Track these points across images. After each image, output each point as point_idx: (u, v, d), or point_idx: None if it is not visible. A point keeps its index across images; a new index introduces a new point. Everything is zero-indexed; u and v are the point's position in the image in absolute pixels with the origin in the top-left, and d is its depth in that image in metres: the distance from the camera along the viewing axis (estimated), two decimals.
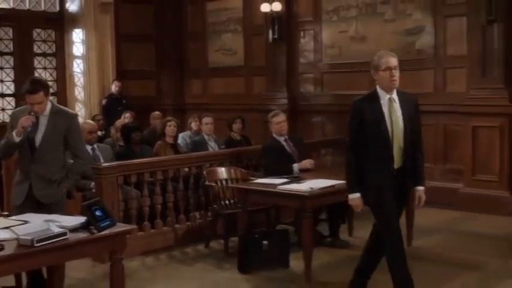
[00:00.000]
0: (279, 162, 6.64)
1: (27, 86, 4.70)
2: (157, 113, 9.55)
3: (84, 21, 11.28)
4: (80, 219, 4.02)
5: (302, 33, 10.37)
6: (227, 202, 6.68)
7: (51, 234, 3.63)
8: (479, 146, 8.14)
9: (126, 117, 9.36)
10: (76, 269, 5.61)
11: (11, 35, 11.11)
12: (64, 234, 3.70)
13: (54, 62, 11.64)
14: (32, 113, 4.69)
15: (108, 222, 3.97)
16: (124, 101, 10.96)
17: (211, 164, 7.07)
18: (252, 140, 9.02)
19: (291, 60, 10.48)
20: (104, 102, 11.15)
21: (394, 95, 4.43)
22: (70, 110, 5.43)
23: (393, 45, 9.05)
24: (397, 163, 4.39)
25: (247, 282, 5.55)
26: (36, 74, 10.87)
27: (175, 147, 7.96)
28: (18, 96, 10.77)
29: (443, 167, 8.71)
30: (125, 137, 7.70)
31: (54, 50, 11.62)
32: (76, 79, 11.59)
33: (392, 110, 4.38)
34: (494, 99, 7.98)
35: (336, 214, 6.79)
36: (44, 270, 4.71)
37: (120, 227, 4.06)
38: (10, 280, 4.63)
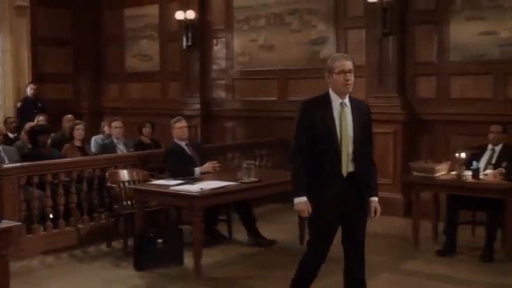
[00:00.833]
0: (181, 165, 6.96)
1: None
2: (69, 116, 9.67)
3: (0, 24, 11.30)
4: None
5: (215, 41, 10.69)
6: (129, 203, 6.92)
7: None
8: (375, 151, 8.57)
9: (39, 120, 9.46)
10: None
11: None
12: None
13: None
14: None
15: None
16: (39, 104, 11.01)
17: (115, 166, 7.31)
18: (164, 144, 9.25)
19: (204, 66, 10.79)
20: (19, 105, 11.16)
21: (347, 100, 4.24)
22: None
23: (299, 54, 9.58)
24: (345, 170, 4.19)
25: (140, 279, 5.83)
26: None
27: (83, 150, 8.15)
28: None
29: None
30: (31, 139, 7.81)
31: None
32: None
33: (343, 115, 4.19)
34: (389, 107, 8.46)
35: (245, 214, 7.13)
36: None
37: (4, 224, 4.25)
38: None
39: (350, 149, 4.19)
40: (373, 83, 8.70)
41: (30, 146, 8.31)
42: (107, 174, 6.98)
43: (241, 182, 6.24)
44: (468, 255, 6.46)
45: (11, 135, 9.54)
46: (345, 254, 4.36)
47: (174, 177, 6.58)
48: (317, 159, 4.19)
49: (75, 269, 6.24)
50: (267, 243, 6.96)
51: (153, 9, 11.56)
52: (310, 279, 4.42)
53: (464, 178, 6.35)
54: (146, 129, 8.95)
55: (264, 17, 10.00)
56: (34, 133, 7.75)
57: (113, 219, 7.01)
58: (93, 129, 9.62)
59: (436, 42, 8.42)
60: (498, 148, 6.76)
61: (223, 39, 10.59)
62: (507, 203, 6.08)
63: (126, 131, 8.90)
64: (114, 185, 6.82)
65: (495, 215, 6.34)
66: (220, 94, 10.74)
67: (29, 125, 8.94)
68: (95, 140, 9.01)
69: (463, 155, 6.43)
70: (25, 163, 6.82)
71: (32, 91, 11.15)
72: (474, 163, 6.39)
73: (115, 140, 8.51)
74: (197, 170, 6.97)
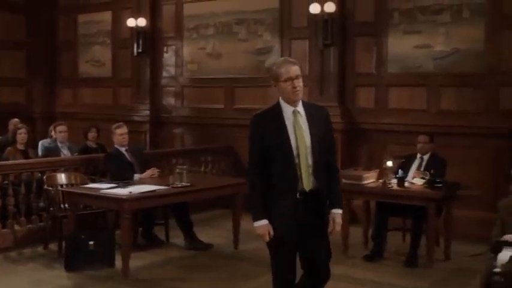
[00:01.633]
0: (120, 171, 7.10)
1: None
2: (15, 120, 9.71)
3: None
4: None
5: (165, 48, 10.85)
6: (66, 205, 7.01)
7: None
8: None
9: None
10: None
11: None
12: None
13: None
14: None
15: None
16: None
17: (55, 169, 7.40)
18: (111, 148, 9.36)
19: (155, 73, 10.94)
20: None
21: (300, 107, 3.87)
22: None
23: (246, 62, 9.78)
24: (306, 185, 3.80)
25: (68, 279, 5.95)
26: None
27: (26, 153, 8.22)
28: None
29: None
30: None
31: None
32: None
33: (297, 124, 3.82)
34: (330, 116, 8.65)
35: (183, 218, 7.26)
36: None
37: None
38: None
39: (310, 160, 3.80)
40: (315, 92, 8.91)
41: None
42: (44, 177, 7.08)
43: (173, 186, 6.41)
44: (394, 261, 6.67)
45: None
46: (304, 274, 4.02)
47: (115, 181, 6.71)
48: (273, 175, 3.80)
49: (8, 270, 6.32)
50: (203, 247, 7.11)
51: (106, 16, 11.68)
52: None
53: (390, 186, 6.58)
54: (91, 134, 9.04)
55: (212, 26, 10.19)
56: None
57: (50, 222, 7.10)
58: (45, 133, 9.66)
59: (375, 54, 8.69)
60: (426, 157, 7.05)
61: (174, 46, 10.75)
62: (429, 210, 6.33)
63: (78, 135, 8.99)
64: (50, 188, 6.91)
65: (420, 221, 6.58)
66: (170, 101, 10.88)
67: None
68: (42, 144, 9.10)
69: (389, 163, 6.66)
70: None
71: None
72: (400, 171, 6.64)
73: (59, 144, 8.61)
74: (136, 176, 7.13)
